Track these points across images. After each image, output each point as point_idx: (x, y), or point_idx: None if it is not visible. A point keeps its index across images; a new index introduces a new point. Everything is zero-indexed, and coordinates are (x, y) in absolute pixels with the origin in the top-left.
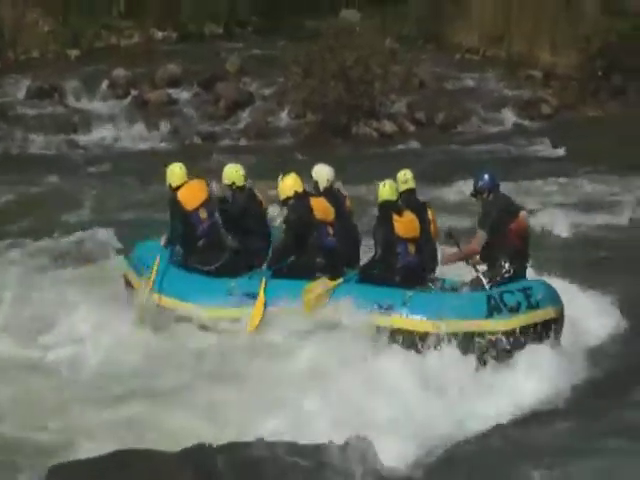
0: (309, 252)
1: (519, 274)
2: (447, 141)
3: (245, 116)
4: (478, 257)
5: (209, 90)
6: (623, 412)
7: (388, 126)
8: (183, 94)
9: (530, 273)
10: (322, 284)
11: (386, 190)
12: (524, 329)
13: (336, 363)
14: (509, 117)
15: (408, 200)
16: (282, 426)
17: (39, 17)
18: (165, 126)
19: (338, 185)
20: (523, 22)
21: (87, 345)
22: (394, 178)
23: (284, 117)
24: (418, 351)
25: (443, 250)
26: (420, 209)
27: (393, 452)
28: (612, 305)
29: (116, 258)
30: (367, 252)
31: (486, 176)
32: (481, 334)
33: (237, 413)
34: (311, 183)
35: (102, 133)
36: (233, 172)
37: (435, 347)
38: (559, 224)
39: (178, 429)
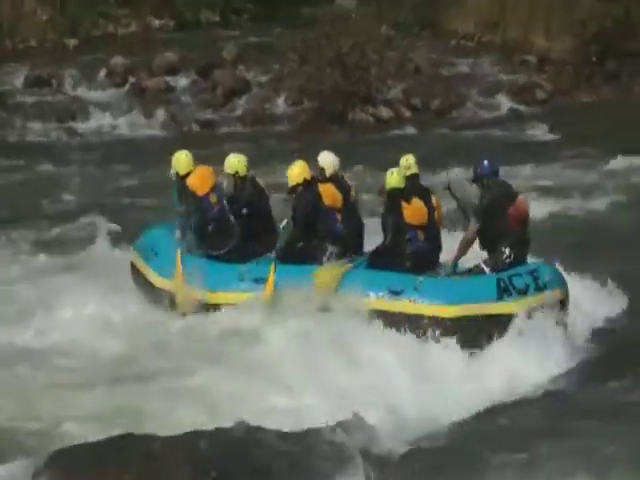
0: (318, 238)
1: (520, 259)
2: (443, 126)
3: (242, 103)
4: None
5: (206, 78)
6: (620, 394)
7: (384, 112)
8: (180, 82)
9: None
10: (332, 268)
11: (394, 178)
12: (533, 311)
13: (337, 348)
14: (504, 102)
15: (412, 186)
16: (276, 410)
17: (37, 6)
18: (163, 114)
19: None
20: (518, 8)
21: (82, 330)
22: (390, 163)
23: (281, 104)
24: (429, 335)
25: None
26: (424, 195)
27: (386, 434)
28: (606, 288)
29: (106, 244)
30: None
31: (485, 162)
32: (492, 317)
33: (232, 398)
34: (316, 170)
35: (100, 121)
36: (236, 162)
37: (445, 331)
38: (551, 208)
39: (174, 414)
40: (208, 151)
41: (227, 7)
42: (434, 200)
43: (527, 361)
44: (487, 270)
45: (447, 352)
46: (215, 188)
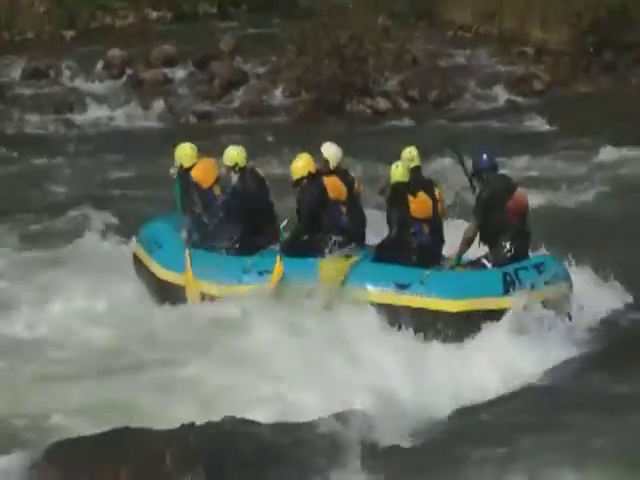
0: (322, 231)
1: (521, 252)
2: (440, 118)
3: (239, 95)
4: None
5: (203, 69)
6: (614, 388)
7: (382, 103)
8: (178, 73)
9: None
10: (337, 261)
11: (399, 171)
12: (539, 305)
13: (333, 341)
14: (501, 94)
15: (416, 179)
16: (270, 402)
17: None
18: (160, 105)
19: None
20: None
21: (72, 323)
22: (387, 154)
23: (278, 95)
24: (435, 329)
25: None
26: (428, 187)
27: (380, 427)
28: (603, 279)
29: (97, 236)
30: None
31: (484, 156)
32: (498, 311)
33: (227, 389)
34: (320, 161)
35: (98, 113)
36: (235, 154)
37: (453, 325)
38: (548, 200)
39: (167, 406)
40: (205, 143)
41: None
42: (437, 192)
43: (525, 355)
44: (489, 265)
45: (444, 346)
46: (219, 180)
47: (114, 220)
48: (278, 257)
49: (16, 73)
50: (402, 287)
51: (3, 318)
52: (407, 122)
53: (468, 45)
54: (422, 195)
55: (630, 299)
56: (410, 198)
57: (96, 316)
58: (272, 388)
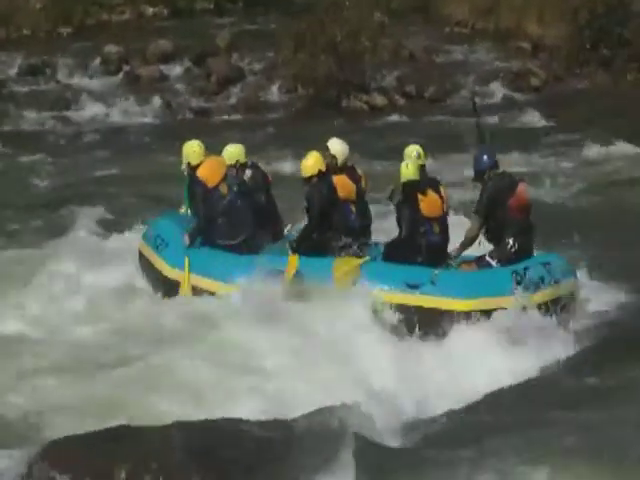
0: (332, 230)
1: (525, 248)
2: (437, 114)
3: (236, 91)
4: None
5: (200, 65)
6: (613, 384)
7: (378, 99)
8: (174, 70)
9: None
10: (350, 261)
11: (409, 170)
12: (548, 303)
13: (328, 337)
14: (498, 90)
15: (424, 177)
16: (264, 398)
17: None
18: (157, 102)
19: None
20: None
21: (59, 319)
22: (384, 150)
23: (275, 92)
24: (445, 329)
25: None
26: (435, 186)
27: (374, 424)
28: (599, 277)
29: (85, 231)
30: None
31: (485, 157)
32: (510, 310)
33: (219, 387)
34: (327, 158)
35: (94, 109)
36: (235, 151)
37: (462, 325)
38: (545, 195)
39: (160, 403)
40: (203, 139)
41: None
42: (443, 190)
43: (520, 353)
44: (493, 263)
45: (441, 344)
46: (226, 178)
47: (107, 216)
48: (293, 254)
49: (12, 70)
50: (413, 287)
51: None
52: (404, 118)
53: (465, 41)
54: (432, 194)
55: (622, 297)
56: (420, 197)
57: (83, 312)
58: (263, 384)
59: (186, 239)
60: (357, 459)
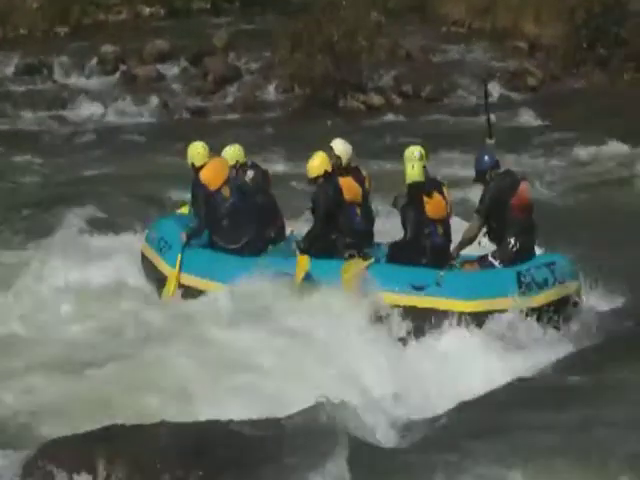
0: (336, 233)
1: (527, 248)
2: (434, 113)
3: (233, 90)
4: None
5: (197, 65)
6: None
7: (375, 99)
8: (171, 69)
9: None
10: (359, 263)
11: (415, 171)
12: (552, 304)
13: (321, 337)
14: (495, 89)
15: (426, 179)
16: (256, 397)
17: None
18: (154, 101)
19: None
20: None
21: (46, 317)
22: (381, 150)
23: (272, 91)
24: (450, 330)
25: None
26: (439, 187)
27: (366, 424)
28: (595, 278)
29: (75, 230)
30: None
31: (486, 157)
32: (514, 311)
33: (218, 387)
34: (332, 158)
35: (91, 109)
36: (235, 151)
37: (468, 326)
38: (542, 195)
39: (147, 403)
40: (200, 139)
41: None
42: (446, 192)
43: (518, 355)
44: (496, 264)
45: (434, 344)
46: (229, 181)
47: (101, 215)
48: (302, 255)
49: (9, 69)
50: (418, 288)
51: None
52: (400, 117)
53: (462, 40)
54: (437, 195)
55: (617, 298)
56: (426, 199)
57: (73, 311)
58: (255, 383)
59: (183, 237)
60: (349, 459)
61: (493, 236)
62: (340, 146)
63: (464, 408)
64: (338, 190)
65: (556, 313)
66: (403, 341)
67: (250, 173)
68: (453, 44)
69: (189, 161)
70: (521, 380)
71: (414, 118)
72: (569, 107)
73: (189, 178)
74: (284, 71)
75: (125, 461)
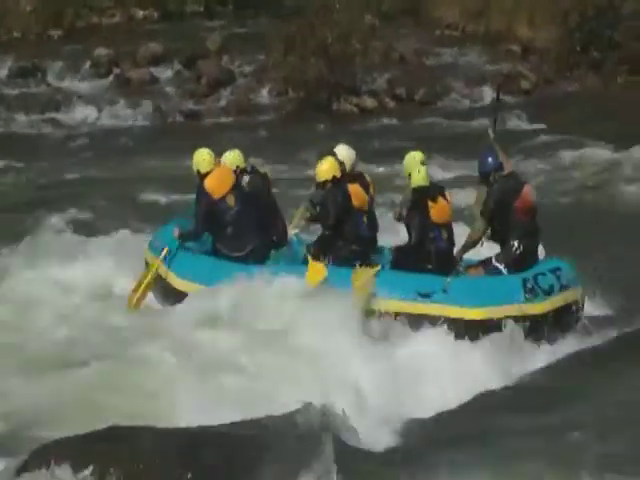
0: (343, 239)
1: (531, 250)
2: (427, 116)
3: (227, 94)
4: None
5: (191, 68)
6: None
7: (369, 102)
8: (165, 72)
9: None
10: (369, 271)
11: (420, 176)
12: (558, 310)
13: (314, 338)
14: (488, 92)
15: (430, 183)
16: (251, 398)
17: None
18: (147, 104)
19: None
20: None
21: (33, 317)
22: (374, 153)
23: (265, 94)
24: (457, 337)
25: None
26: (441, 192)
27: (357, 427)
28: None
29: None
30: None
31: (489, 158)
32: (520, 318)
33: (207, 389)
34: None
35: (85, 112)
36: (235, 156)
37: (476, 333)
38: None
39: (146, 406)
40: (193, 142)
41: None
42: (448, 197)
43: (513, 359)
44: (501, 268)
45: (424, 348)
46: (233, 189)
47: (88, 218)
48: (314, 261)
49: (2, 72)
50: (425, 296)
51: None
52: (394, 121)
53: (455, 44)
54: (441, 200)
55: (612, 302)
56: (430, 203)
57: (58, 314)
58: (243, 385)
59: (175, 232)
60: (337, 462)
61: (496, 238)
62: (344, 152)
63: (446, 412)
64: (347, 197)
65: (560, 319)
66: (383, 343)
67: (246, 177)
68: (447, 47)
69: (194, 168)
70: (517, 385)
71: (408, 121)
72: (563, 110)
73: (183, 181)
74: (278, 74)
75: (119, 464)
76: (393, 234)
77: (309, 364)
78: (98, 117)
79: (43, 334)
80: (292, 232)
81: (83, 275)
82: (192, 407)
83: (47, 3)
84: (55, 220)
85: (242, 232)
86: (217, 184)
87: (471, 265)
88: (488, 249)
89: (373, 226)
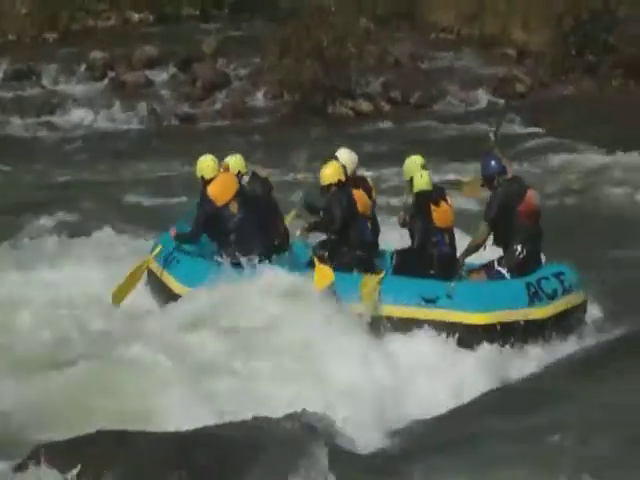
0: (350, 246)
1: (533, 254)
2: (422, 120)
3: (222, 97)
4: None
5: (186, 71)
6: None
7: (364, 105)
8: (160, 75)
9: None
10: (375, 278)
11: (423, 180)
12: (562, 314)
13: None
14: (483, 96)
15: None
16: (240, 403)
17: (16, 0)
18: (143, 107)
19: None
20: (497, 0)
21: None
22: (369, 156)
23: (261, 97)
24: (462, 342)
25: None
26: (443, 196)
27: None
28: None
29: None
30: None
31: (492, 162)
32: (524, 322)
33: (200, 391)
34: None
35: (80, 115)
36: (237, 161)
37: (480, 338)
38: None
39: (137, 408)
40: (188, 145)
41: (207, 0)
42: (449, 201)
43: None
44: (504, 272)
45: (419, 351)
46: (237, 196)
47: (75, 220)
48: (320, 264)
49: None
50: (429, 301)
51: None
52: (389, 124)
53: (450, 47)
54: (444, 204)
55: (611, 307)
56: (433, 207)
57: (42, 316)
58: (236, 387)
59: (172, 231)
60: (328, 464)
61: (499, 242)
62: (346, 155)
63: (450, 415)
64: (352, 201)
65: (563, 323)
66: (398, 350)
67: (245, 178)
68: (442, 51)
69: (198, 174)
70: (515, 388)
71: (402, 124)
72: (558, 114)
73: (178, 184)
74: (273, 77)
75: (110, 467)
76: (392, 237)
77: (303, 366)
78: (93, 120)
79: (30, 336)
80: (297, 234)
81: (72, 277)
82: (183, 409)
83: (42, 6)
84: (46, 222)
85: (245, 239)
86: (220, 191)
87: (472, 269)
88: (489, 252)
89: (375, 231)
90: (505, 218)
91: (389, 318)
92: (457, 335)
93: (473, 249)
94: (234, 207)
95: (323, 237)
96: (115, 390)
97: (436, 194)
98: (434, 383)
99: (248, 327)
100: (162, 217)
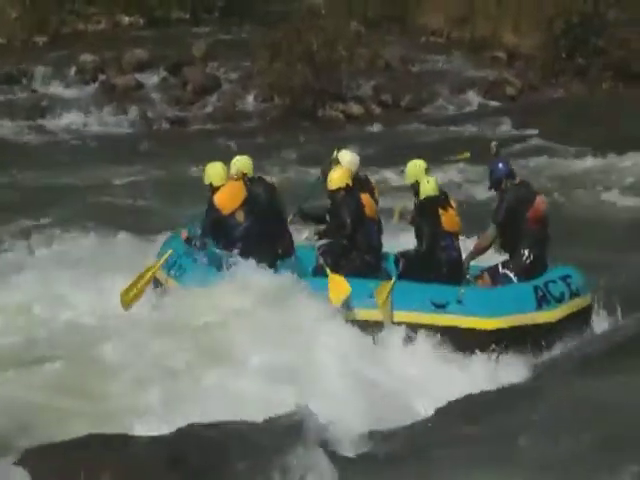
0: (358, 251)
1: (540, 259)
2: (413, 123)
3: (212, 100)
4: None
5: (176, 75)
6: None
7: (354, 108)
8: (150, 79)
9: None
10: (388, 285)
11: (430, 186)
12: (570, 317)
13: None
14: (474, 99)
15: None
16: (232, 404)
17: (6, 3)
18: (133, 111)
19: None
20: (487, 3)
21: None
22: (360, 159)
23: (251, 101)
24: (473, 347)
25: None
26: (448, 200)
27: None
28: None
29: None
30: None
31: (500, 165)
32: (534, 326)
33: (198, 391)
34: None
35: (70, 118)
36: (244, 163)
37: (490, 343)
38: None
39: (129, 409)
40: (179, 149)
41: (197, 4)
42: (455, 205)
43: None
44: (511, 275)
45: (413, 353)
46: (244, 204)
47: (67, 222)
48: (333, 273)
49: None
50: (439, 307)
51: None
52: (380, 127)
53: (441, 50)
54: (451, 209)
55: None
56: (441, 211)
57: (36, 315)
58: (228, 386)
59: (184, 234)
60: (323, 466)
61: (506, 246)
62: (347, 157)
63: (446, 418)
64: (361, 206)
65: (571, 326)
66: (372, 347)
67: (254, 185)
68: (432, 54)
69: (206, 180)
70: (512, 390)
71: (393, 127)
72: (548, 116)
73: (170, 188)
74: (263, 81)
75: (103, 472)
76: (392, 239)
77: (299, 367)
78: (83, 123)
79: (13, 338)
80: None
81: (58, 280)
82: (175, 410)
83: (33, 10)
84: (35, 225)
85: (252, 248)
86: (227, 199)
87: (479, 275)
88: (490, 255)
89: (380, 234)
90: (513, 222)
91: (399, 323)
92: (467, 340)
93: (479, 252)
94: (240, 216)
95: (325, 241)
96: (100, 392)
97: (443, 198)
98: (440, 388)
99: (243, 329)
100: (153, 220)
